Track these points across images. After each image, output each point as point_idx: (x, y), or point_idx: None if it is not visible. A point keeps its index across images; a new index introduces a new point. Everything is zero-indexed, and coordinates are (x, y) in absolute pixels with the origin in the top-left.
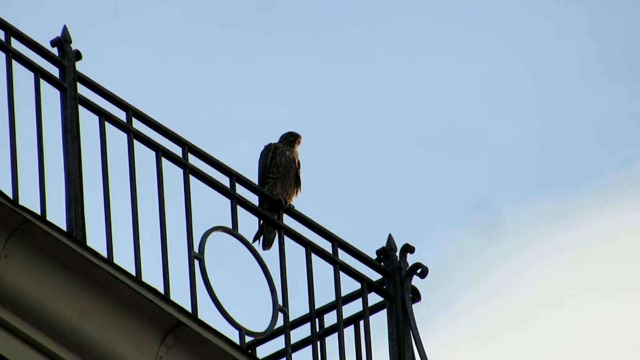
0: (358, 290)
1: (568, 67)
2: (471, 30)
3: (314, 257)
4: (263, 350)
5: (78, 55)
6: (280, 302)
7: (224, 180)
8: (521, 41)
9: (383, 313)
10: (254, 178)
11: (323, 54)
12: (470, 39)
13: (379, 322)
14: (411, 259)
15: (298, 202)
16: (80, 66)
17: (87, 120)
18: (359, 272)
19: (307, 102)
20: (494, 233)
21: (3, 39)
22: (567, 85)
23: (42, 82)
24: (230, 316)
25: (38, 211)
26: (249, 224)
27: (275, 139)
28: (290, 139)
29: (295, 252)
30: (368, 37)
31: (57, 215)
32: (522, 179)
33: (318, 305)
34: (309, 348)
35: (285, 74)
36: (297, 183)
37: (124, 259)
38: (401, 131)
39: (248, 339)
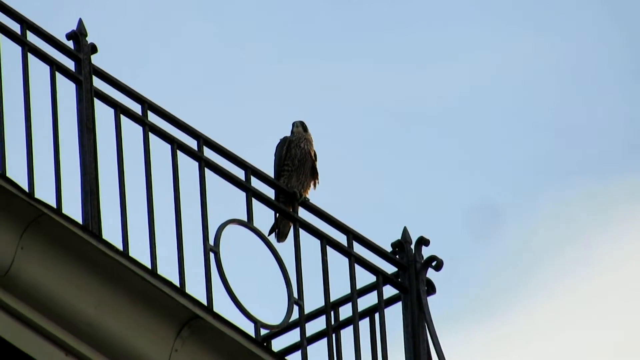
0: (373, 282)
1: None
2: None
3: (329, 249)
4: (278, 343)
5: (93, 49)
6: (295, 294)
7: (239, 173)
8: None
9: (398, 306)
10: (270, 171)
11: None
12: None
13: (394, 315)
14: (426, 252)
15: (314, 194)
16: (95, 59)
17: (103, 113)
18: (374, 265)
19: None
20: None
21: (19, 32)
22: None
23: (58, 75)
24: (245, 309)
25: (54, 204)
26: (264, 216)
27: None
28: (302, 127)
29: (310, 244)
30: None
31: (73, 208)
32: (605, 156)
33: (333, 298)
34: (324, 341)
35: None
36: (314, 175)
37: (139, 252)
38: (449, 116)
39: (263, 331)
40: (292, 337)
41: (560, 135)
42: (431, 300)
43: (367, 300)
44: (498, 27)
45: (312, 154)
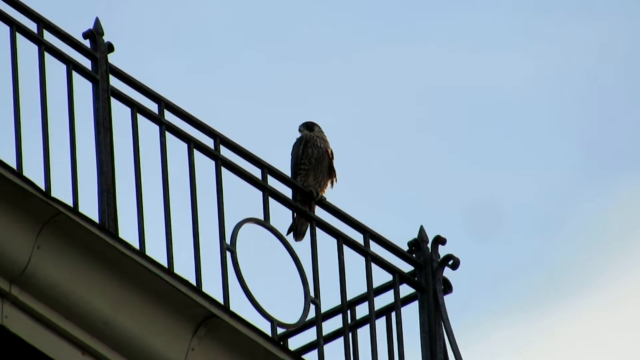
0: (390, 281)
1: None
2: None
3: (345, 248)
4: (295, 342)
5: (110, 47)
6: (312, 293)
7: (256, 172)
8: None
9: (415, 305)
10: (287, 170)
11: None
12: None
13: (411, 314)
14: (443, 251)
15: (331, 193)
16: (112, 58)
17: (119, 112)
18: (391, 264)
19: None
20: None
21: (35, 31)
22: None
23: (74, 74)
24: (261, 308)
25: (70, 203)
26: (280, 215)
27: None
28: (307, 128)
29: (327, 243)
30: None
31: (89, 207)
32: None
33: (350, 296)
34: (341, 339)
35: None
36: (331, 173)
37: (156, 251)
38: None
39: (280, 330)
40: (309, 336)
41: (635, 123)
42: (447, 299)
43: (384, 299)
44: (563, 13)
45: (329, 153)
